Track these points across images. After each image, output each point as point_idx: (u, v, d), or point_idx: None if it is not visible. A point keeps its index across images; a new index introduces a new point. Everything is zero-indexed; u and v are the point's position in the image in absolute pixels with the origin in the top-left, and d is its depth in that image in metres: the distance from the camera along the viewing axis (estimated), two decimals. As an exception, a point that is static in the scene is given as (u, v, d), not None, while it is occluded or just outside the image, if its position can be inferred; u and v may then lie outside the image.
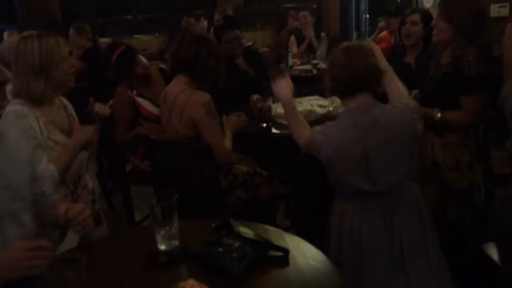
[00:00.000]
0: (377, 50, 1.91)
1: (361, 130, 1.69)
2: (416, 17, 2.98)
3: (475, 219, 2.27)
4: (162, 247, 1.43)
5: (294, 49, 5.13)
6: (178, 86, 2.33)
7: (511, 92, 1.90)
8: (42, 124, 1.78)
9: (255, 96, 2.84)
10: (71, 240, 1.70)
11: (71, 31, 4.71)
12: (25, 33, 1.86)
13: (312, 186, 2.54)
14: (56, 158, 1.80)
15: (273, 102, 2.85)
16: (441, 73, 2.26)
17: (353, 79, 1.69)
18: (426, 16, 2.96)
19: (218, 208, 2.31)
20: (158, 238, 1.43)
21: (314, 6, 7.54)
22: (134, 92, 2.85)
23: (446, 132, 2.26)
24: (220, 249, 1.30)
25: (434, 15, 2.35)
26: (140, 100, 2.84)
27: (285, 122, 2.68)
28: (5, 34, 5.81)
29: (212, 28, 5.71)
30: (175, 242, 1.44)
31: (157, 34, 7.99)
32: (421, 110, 1.98)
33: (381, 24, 5.18)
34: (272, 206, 2.64)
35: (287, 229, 2.95)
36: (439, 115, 2.21)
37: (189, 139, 2.30)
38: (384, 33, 4.96)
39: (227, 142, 2.37)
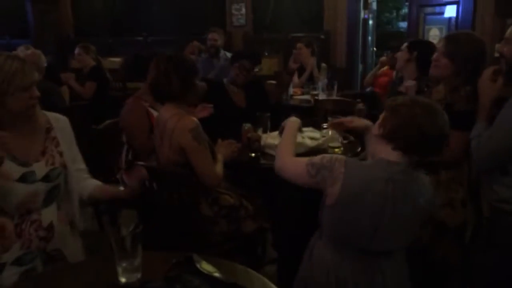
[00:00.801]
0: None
1: (390, 188, 1.54)
2: (404, 45, 3.03)
3: (460, 259, 2.23)
4: (123, 279, 1.40)
5: (295, 78, 5.14)
6: (167, 111, 2.33)
7: (480, 132, 1.90)
8: None
9: (247, 125, 2.83)
10: (10, 275, 1.63)
11: (77, 50, 4.82)
12: None
13: (291, 218, 2.52)
14: None
15: (263, 132, 2.83)
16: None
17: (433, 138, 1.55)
18: (412, 42, 3.02)
19: (199, 238, 2.27)
20: (120, 270, 1.40)
21: (322, 36, 7.60)
22: (147, 103, 2.83)
23: (439, 169, 2.22)
24: (178, 286, 1.26)
25: (437, 50, 2.34)
26: (152, 111, 2.82)
27: (273, 153, 2.67)
28: (19, 49, 5.93)
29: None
30: (137, 275, 1.40)
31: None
32: None
33: (383, 58, 5.19)
34: (254, 239, 2.59)
35: (273, 261, 2.90)
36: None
37: (178, 165, 2.28)
38: (386, 68, 4.97)
39: (218, 167, 2.34)
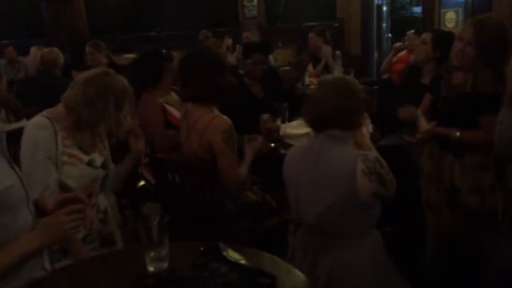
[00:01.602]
0: None
1: (306, 157, 1.78)
2: (427, 36, 2.96)
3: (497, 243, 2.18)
4: (151, 268, 1.42)
5: (310, 68, 5.11)
6: (200, 110, 2.30)
7: (503, 118, 1.84)
8: (59, 138, 1.83)
9: (265, 116, 2.83)
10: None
11: (88, 49, 4.79)
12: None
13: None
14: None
15: (282, 122, 2.83)
16: (455, 94, 2.21)
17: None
18: (439, 39, 2.92)
19: (222, 234, 2.27)
20: (148, 259, 1.42)
21: (336, 24, 7.54)
22: (161, 99, 2.84)
23: (465, 154, 2.19)
24: (206, 274, 1.28)
25: (458, 36, 2.27)
26: (167, 106, 2.82)
27: (293, 143, 2.67)
28: (32, 49, 6.00)
29: (238, 45, 5.77)
30: (164, 264, 1.43)
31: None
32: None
33: (397, 44, 5.11)
34: (276, 232, 2.59)
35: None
36: (458, 134, 2.15)
37: (206, 161, 2.27)
38: (403, 52, 4.90)
39: (243, 168, 2.33)
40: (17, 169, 1.47)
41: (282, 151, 2.66)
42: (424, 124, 2.32)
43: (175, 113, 2.82)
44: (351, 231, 1.75)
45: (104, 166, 2.01)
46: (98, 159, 1.99)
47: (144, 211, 2.95)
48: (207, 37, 6.39)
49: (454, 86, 2.23)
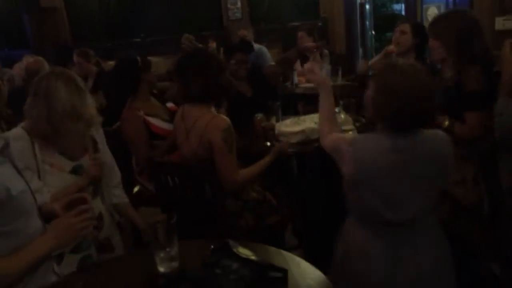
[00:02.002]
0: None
1: (398, 154, 1.58)
2: (406, 26, 3.05)
3: (483, 236, 2.24)
4: (162, 269, 1.44)
5: (298, 67, 5.15)
6: (198, 110, 2.31)
7: (502, 110, 1.88)
8: (37, 147, 1.80)
9: (259, 115, 2.86)
10: (69, 263, 1.71)
11: (76, 58, 4.72)
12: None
13: (317, 204, 2.53)
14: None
15: (276, 121, 2.86)
16: (444, 87, 2.26)
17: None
18: (416, 26, 3.02)
19: (225, 232, 2.29)
20: (158, 260, 1.44)
21: (320, 23, 7.60)
22: (141, 112, 2.81)
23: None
24: (218, 271, 1.30)
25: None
26: (149, 118, 2.80)
27: (291, 140, 2.69)
28: (25, 59, 5.92)
29: (222, 48, 5.83)
30: (175, 264, 1.44)
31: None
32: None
33: (389, 48, 5.12)
34: (276, 230, 2.61)
35: (295, 247, 2.94)
36: (446, 123, 2.19)
37: (206, 161, 2.29)
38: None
39: (249, 170, 2.36)
40: (24, 175, 1.48)
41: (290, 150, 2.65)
42: None
43: (158, 123, 2.82)
44: (426, 217, 1.71)
45: None
46: (87, 164, 1.95)
47: (143, 214, 2.96)
48: (190, 41, 6.38)
49: (443, 79, 2.28)
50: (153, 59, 8.90)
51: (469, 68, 2.14)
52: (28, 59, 4.50)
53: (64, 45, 9.03)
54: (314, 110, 3.41)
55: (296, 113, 3.58)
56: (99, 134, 2.08)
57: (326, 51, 5.17)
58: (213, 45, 6.89)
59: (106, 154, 2.13)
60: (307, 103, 4.45)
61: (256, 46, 5.30)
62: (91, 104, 1.88)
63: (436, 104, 1.63)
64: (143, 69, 2.79)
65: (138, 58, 2.82)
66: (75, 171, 1.92)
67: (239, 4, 8.69)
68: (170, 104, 3.03)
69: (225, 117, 2.29)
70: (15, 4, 9.77)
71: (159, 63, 8.12)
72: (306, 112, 3.67)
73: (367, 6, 7.25)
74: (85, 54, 4.69)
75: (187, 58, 2.38)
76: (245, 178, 2.33)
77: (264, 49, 5.40)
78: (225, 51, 3.42)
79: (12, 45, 9.37)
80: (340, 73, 4.52)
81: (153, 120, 2.80)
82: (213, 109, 2.33)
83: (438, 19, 2.31)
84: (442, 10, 5.85)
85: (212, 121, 2.25)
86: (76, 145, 1.95)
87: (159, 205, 2.55)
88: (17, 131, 1.83)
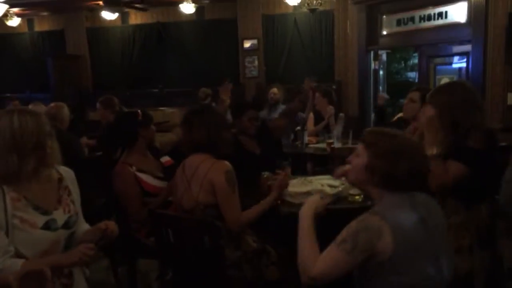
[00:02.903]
0: None
1: (421, 209, 1.57)
2: (415, 95, 3.07)
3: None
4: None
5: (311, 126, 5.21)
6: (199, 158, 2.38)
7: (509, 179, 1.87)
8: (8, 200, 1.70)
9: (266, 174, 2.85)
10: None
11: (98, 105, 4.87)
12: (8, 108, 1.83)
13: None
14: (31, 260, 1.68)
15: (283, 180, 2.85)
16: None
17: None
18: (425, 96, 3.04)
19: (223, 285, 2.24)
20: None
21: (334, 86, 7.76)
22: (134, 167, 2.77)
23: (450, 213, 2.21)
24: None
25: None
26: (140, 175, 2.77)
27: (295, 201, 2.67)
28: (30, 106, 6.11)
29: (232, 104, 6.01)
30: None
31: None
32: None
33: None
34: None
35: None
36: (434, 152, 2.12)
37: (208, 207, 2.31)
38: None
39: (253, 211, 2.38)
40: None
41: (284, 209, 2.65)
42: None
43: (149, 180, 2.79)
44: None
45: (67, 225, 1.84)
46: (61, 218, 1.82)
47: (141, 267, 2.89)
48: (206, 95, 6.58)
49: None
50: (169, 109, 9.19)
51: (473, 131, 2.15)
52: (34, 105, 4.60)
53: (85, 93, 9.36)
54: (323, 171, 3.43)
55: (304, 173, 3.58)
56: (74, 187, 1.97)
57: (342, 115, 5.22)
58: (227, 100, 7.05)
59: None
60: (316, 163, 4.45)
61: (283, 106, 5.44)
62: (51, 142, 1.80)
63: None
64: (142, 124, 2.80)
65: (139, 112, 2.86)
66: (47, 226, 1.78)
67: (256, 62, 8.97)
68: (165, 158, 3.02)
69: (225, 161, 2.33)
70: (42, 49, 10.24)
71: (175, 114, 8.32)
72: (315, 173, 3.67)
73: (381, 72, 7.42)
74: (105, 102, 4.81)
75: (193, 111, 2.47)
76: (249, 219, 2.37)
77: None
78: (237, 108, 3.45)
79: (34, 88, 9.72)
80: (351, 135, 4.54)
81: (144, 177, 2.78)
82: (213, 157, 2.37)
83: (438, 90, 2.33)
84: (455, 81, 5.97)
85: (214, 165, 2.31)
86: (48, 195, 1.83)
87: (158, 257, 2.51)
88: None
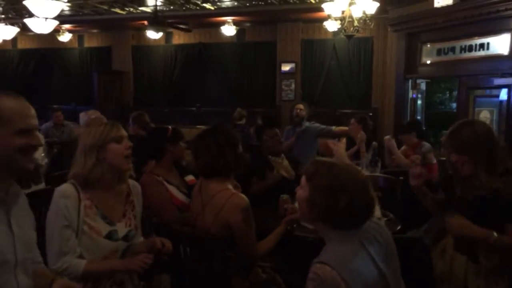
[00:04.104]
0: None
1: (372, 247, 1.52)
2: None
3: None
4: None
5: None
6: (216, 185, 2.32)
7: None
8: (82, 207, 1.84)
9: (284, 196, 2.84)
10: None
11: (130, 120, 5.03)
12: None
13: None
14: (94, 261, 1.86)
15: (301, 204, 2.82)
16: (473, 196, 2.15)
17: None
18: None
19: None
20: None
21: (370, 113, 7.66)
22: (160, 177, 2.80)
23: (480, 258, 2.10)
24: None
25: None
26: (168, 185, 2.79)
27: (310, 226, 2.64)
28: (81, 114, 6.37)
29: (253, 128, 6.12)
30: None
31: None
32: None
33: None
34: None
35: None
36: (495, 235, 1.97)
37: (218, 237, 2.27)
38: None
39: (266, 243, 2.35)
40: (17, 232, 1.42)
41: (298, 233, 2.62)
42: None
43: (176, 193, 2.79)
44: None
45: (126, 237, 1.96)
46: (122, 230, 1.95)
47: (155, 283, 2.91)
48: (241, 115, 6.65)
49: (469, 186, 2.16)
50: (203, 128, 9.29)
51: (505, 180, 2.04)
52: (83, 115, 4.79)
53: (126, 107, 9.68)
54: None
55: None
56: (138, 201, 2.08)
57: (375, 143, 5.12)
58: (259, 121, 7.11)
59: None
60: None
61: (307, 123, 5.45)
62: None
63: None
64: (171, 140, 2.84)
65: (170, 128, 2.91)
66: (110, 236, 1.91)
67: (293, 86, 9.02)
68: (190, 177, 3.05)
69: (243, 195, 2.28)
70: (90, 64, 10.74)
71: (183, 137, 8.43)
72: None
73: (419, 102, 7.28)
74: (136, 117, 4.95)
75: (197, 136, 2.43)
76: (264, 252, 2.34)
77: (312, 127, 5.51)
78: (257, 132, 3.52)
79: (80, 101, 10.16)
80: (379, 164, 4.45)
81: (171, 188, 2.80)
82: (230, 186, 2.34)
83: (455, 132, 2.17)
84: (495, 115, 5.77)
85: (230, 199, 2.24)
86: (116, 207, 1.96)
87: (171, 273, 2.52)
88: (67, 188, 1.87)
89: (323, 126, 5.49)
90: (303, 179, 1.58)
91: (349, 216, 1.49)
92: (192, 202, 2.47)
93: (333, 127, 5.47)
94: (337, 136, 5.63)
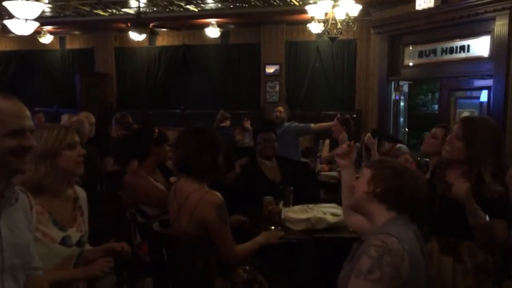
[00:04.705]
0: None
1: (419, 238, 1.62)
2: (438, 131, 2.98)
3: None
4: None
5: (325, 152, 5.18)
6: (189, 184, 2.32)
7: None
8: (34, 213, 1.72)
9: (268, 198, 2.83)
10: None
11: (113, 121, 5.01)
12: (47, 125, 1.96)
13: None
14: (52, 271, 1.77)
15: (285, 206, 2.82)
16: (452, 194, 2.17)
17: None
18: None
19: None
20: None
21: (354, 115, 7.72)
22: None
23: (465, 258, 2.12)
24: None
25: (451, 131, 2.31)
26: (153, 181, 2.82)
27: (294, 227, 2.64)
28: (63, 117, 6.30)
29: (237, 129, 6.12)
30: None
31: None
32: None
33: None
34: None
35: None
36: (487, 218, 1.98)
37: (197, 237, 2.25)
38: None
39: (245, 247, 2.34)
40: (6, 235, 1.39)
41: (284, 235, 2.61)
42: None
43: (161, 187, 2.82)
44: None
45: (80, 243, 1.92)
46: (75, 236, 1.90)
47: (138, 287, 2.88)
48: (224, 117, 6.64)
49: (449, 185, 2.18)
50: (188, 130, 9.23)
51: (486, 176, 2.07)
52: (65, 118, 4.74)
53: (109, 110, 9.58)
54: (335, 198, 3.37)
55: (318, 200, 3.53)
56: (85, 207, 2.04)
57: (357, 144, 5.16)
58: (247, 123, 7.11)
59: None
60: (328, 191, 4.41)
61: (286, 124, 5.50)
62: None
63: None
64: (156, 142, 2.84)
65: (156, 130, 2.90)
66: (64, 242, 1.86)
67: (277, 88, 9.04)
68: (174, 179, 3.05)
69: (217, 193, 2.27)
70: (72, 66, 10.61)
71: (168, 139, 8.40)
72: (323, 200, 3.62)
73: (402, 103, 7.35)
74: (118, 118, 4.94)
75: (185, 132, 2.45)
76: (244, 253, 2.33)
77: (291, 127, 5.55)
78: (254, 132, 3.55)
79: (62, 104, 10.02)
80: (363, 165, 4.48)
81: (156, 184, 2.83)
82: (205, 186, 2.32)
83: (472, 123, 2.21)
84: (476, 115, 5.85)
85: (204, 197, 2.23)
86: (65, 213, 1.91)
87: (153, 276, 2.50)
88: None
89: (302, 125, 5.57)
90: (366, 170, 1.73)
91: (409, 202, 1.62)
92: (168, 208, 2.45)
93: (312, 125, 5.55)
94: (316, 133, 5.72)
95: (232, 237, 2.28)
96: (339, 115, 5.38)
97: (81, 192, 2.04)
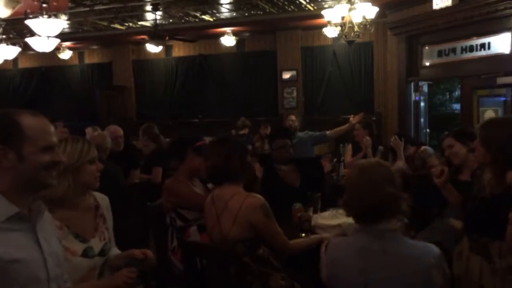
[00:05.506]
0: None
1: (366, 258, 1.61)
2: (449, 141, 2.95)
3: None
4: None
5: (348, 157, 5.14)
6: (226, 191, 2.38)
7: None
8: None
9: (297, 205, 2.83)
10: None
11: (140, 132, 5.07)
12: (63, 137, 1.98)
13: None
14: (76, 284, 1.75)
15: (314, 212, 2.82)
16: (489, 193, 2.15)
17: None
18: (460, 135, 2.93)
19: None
20: None
21: (373, 118, 7.66)
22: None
23: (494, 258, 2.09)
24: None
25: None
26: (192, 186, 2.91)
27: (324, 234, 2.63)
28: (88, 130, 6.40)
29: (256, 136, 6.12)
30: None
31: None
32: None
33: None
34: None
35: None
36: None
37: (242, 241, 2.30)
38: None
39: (301, 241, 2.50)
40: (46, 247, 1.40)
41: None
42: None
43: (199, 191, 2.91)
44: None
45: (103, 252, 1.92)
46: (97, 245, 1.91)
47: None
48: (245, 125, 6.66)
49: (485, 184, 2.17)
50: (207, 138, 9.32)
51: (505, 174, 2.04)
52: (89, 131, 4.80)
53: (129, 122, 9.69)
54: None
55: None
56: (108, 213, 2.04)
57: (381, 147, 5.12)
58: (266, 130, 7.12)
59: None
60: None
61: (300, 134, 5.45)
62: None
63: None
64: (195, 149, 2.88)
65: (203, 140, 2.99)
66: (85, 254, 1.87)
67: (294, 93, 9.03)
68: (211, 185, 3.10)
69: (257, 194, 2.34)
70: (91, 80, 10.78)
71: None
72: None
73: (422, 104, 7.27)
74: (145, 129, 5.01)
75: (210, 143, 2.58)
76: (299, 246, 2.46)
77: (305, 137, 5.50)
78: (269, 140, 3.59)
79: (83, 117, 10.18)
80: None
81: (195, 189, 2.91)
82: (243, 190, 2.38)
83: (489, 124, 2.22)
84: (500, 114, 5.75)
85: (246, 201, 2.29)
86: (86, 223, 1.92)
87: (186, 286, 2.51)
88: None
89: (317, 133, 5.50)
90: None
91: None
92: (205, 216, 2.48)
93: (327, 132, 5.48)
94: (332, 139, 5.65)
95: (281, 232, 2.37)
96: (362, 114, 5.32)
97: (102, 199, 2.05)
